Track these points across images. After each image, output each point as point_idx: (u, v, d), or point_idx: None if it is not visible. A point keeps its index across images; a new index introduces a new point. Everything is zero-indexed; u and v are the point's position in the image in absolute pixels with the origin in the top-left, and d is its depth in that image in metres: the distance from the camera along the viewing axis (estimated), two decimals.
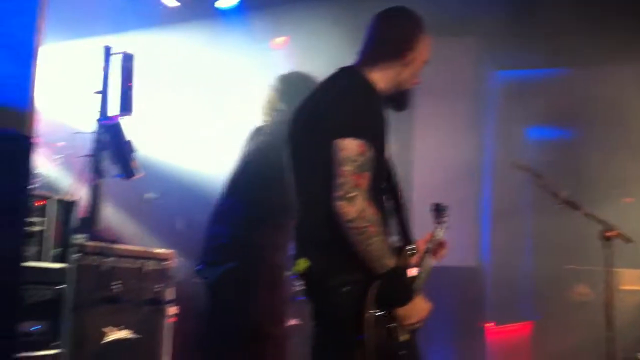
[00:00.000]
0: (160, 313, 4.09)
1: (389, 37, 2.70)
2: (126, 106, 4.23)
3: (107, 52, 4.32)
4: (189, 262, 4.96)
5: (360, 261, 2.40)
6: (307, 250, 2.52)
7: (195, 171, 5.68)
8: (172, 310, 4.12)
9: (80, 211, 3.86)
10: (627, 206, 6.64)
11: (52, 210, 3.54)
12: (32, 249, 3.43)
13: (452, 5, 5.75)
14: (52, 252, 3.50)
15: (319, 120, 2.51)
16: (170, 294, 4.15)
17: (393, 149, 2.66)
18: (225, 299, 3.57)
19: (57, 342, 3.44)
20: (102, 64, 4.30)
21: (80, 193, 4.04)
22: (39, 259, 3.44)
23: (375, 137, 2.48)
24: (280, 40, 6.07)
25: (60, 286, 3.49)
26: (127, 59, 4.28)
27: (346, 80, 2.61)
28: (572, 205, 4.27)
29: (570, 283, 6.80)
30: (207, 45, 5.72)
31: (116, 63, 4.30)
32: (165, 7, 5.80)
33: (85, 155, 4.21)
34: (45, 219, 3.48)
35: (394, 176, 2.68)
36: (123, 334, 3.81)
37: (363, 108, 2.50)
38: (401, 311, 2.46)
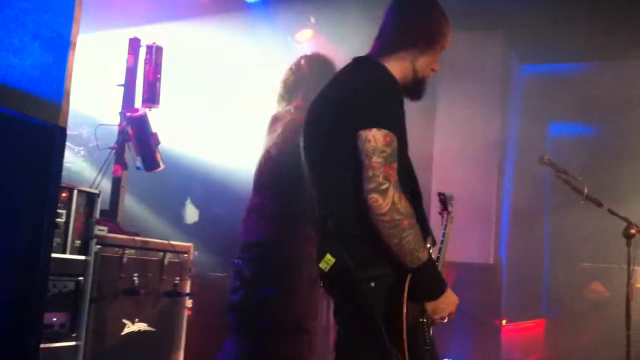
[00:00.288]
0: (179, 305, 4.12)
1: (408, 25, 2.66)
2: (153, 98, 4.25)
3: (134, 44, 4.34)
4: (207, 255, 5.02)
5: (388, 255, 2.34)
6: (331, 246, 2.40)
7: (219, 165, 5.69)
8: (190, 302, 4.15)
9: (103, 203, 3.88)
10: None
11: (75, 202, 3.53)
12: (54, 240, 3.42)
13: None
14: (74, 243, 3.51)
15: (340, 111, 2.46)
16: (187, 286, 4.18)
17: (414, 142, 2.60)
18: (267, 295, 3.60)
19: (77, 334, 3.47)
20: (127, 56, 4.33)
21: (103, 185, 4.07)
22: (61, 251, 3.45)
23: (398, 128, 2.44)
24: (306, 33, 6.04)
25: (81, 278, 3.52)
26: (157, 51, 4.29)
27: (367, 71, 2.56)
28: (595, 201, 4.24)
29: (587, 281, 6.79)
30: (234, 39, 5.71)
31: (142, 55, 4.31)
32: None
33: (109, 147, 4.24)
34: (68, 210, 3.49)
35: (413, 169, 2.62)
36: (142, 325, 3.86)
37: (387, 98, 2.46)
38: (432, 305, 2.40)
